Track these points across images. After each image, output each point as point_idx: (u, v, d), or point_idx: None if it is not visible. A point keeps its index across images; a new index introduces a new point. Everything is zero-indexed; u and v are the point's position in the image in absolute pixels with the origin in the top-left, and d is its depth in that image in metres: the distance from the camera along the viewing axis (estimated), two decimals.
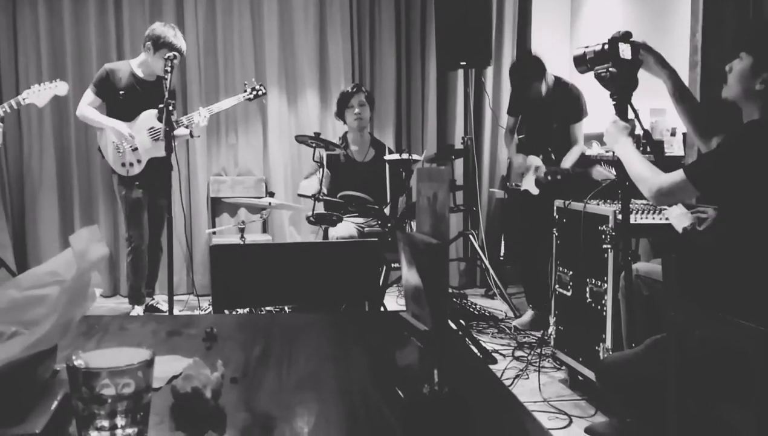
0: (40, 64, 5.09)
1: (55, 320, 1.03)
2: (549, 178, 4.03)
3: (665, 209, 2.65)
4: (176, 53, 3.82)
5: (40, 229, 5.19)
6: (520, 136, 4.45)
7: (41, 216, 5.19)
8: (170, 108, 3.57)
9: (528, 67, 4.16)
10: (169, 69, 3.65)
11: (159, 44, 4.21)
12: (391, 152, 4.34)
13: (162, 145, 4.10)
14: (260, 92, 4.50)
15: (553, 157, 4.12)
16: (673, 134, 3.96)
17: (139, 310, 4.46)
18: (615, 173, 3.52)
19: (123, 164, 4.28)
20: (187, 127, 4.33)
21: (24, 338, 1.03)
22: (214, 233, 5.06)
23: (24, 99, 4.19)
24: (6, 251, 5.01)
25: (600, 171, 3.62)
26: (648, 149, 3.39)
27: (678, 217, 2.40)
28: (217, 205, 5.39)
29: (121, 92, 4.28)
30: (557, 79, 4.20)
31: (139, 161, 4.29)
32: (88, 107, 4.31)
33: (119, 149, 4.25)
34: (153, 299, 4.65)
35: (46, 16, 5.09)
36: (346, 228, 4.09)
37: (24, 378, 1.04)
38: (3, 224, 5.10)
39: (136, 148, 4.26)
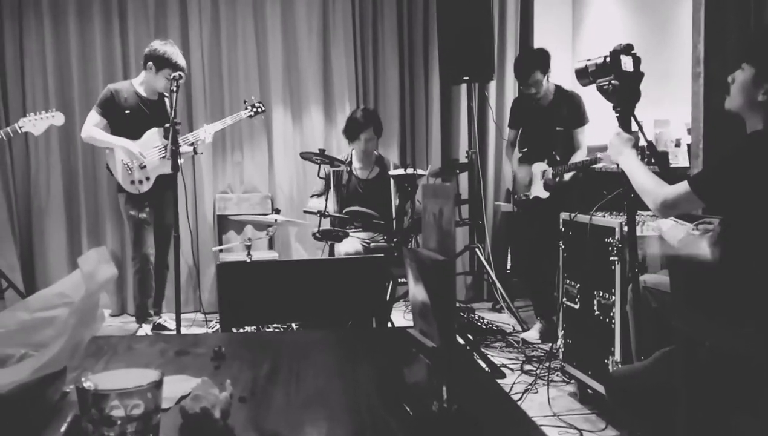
0: (46, 84, 5.13)
1: (64, 342, 1.04)
2: (557, 179, 4.04)
3: (659, 221, 2.64)
4: (181, 72, 3.85)
5: (47, 249, 5.21)
6: (523, 150, 4.45)
7: (49, 237, 5.20)
8: (176, 127, 3.59)
9: (534, 53, 4.20)
10: (174, 89, 3.68)
11: (162, 63, 4.25)
12: (395, 167, 4.35)
13: (168, 162, 4.14)
14: (259, 109, 4.56)
15: (558, 159, 4.12)
16: (677, 145, 3.96)
17: (146, 328, 4.46)
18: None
19: (132, 182, 4.31)
20: (192, 144, 4.35)
21: (33, 360, 1.04)
22: (220, 250, 5.07)
23: (21, 127, 4.22)
24: (14, 272, 5.02)
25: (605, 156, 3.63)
26: (652, 161, 3.39)
27: (671, 229, 2.40)
28: (223, 223, 5.40)
29: (126, 111, 4.32)
30: (558, 87, 4.22)
31: (147, 179, 4.31)
32: (94, 128, 4.34)
33: (129, 168, 4.28)
34: (160, 317, 4.65)
35: (52, 37, 5.13)
36: (351, 244, 4.09)
37: (34, 400, 1.05)
38: (11, 245, 5.12)
39: (144, 166, 4.29)
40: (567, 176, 4.07)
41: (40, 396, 1.06)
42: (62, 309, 1.19)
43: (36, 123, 4.26)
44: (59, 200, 5.21)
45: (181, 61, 4.29)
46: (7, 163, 5.13)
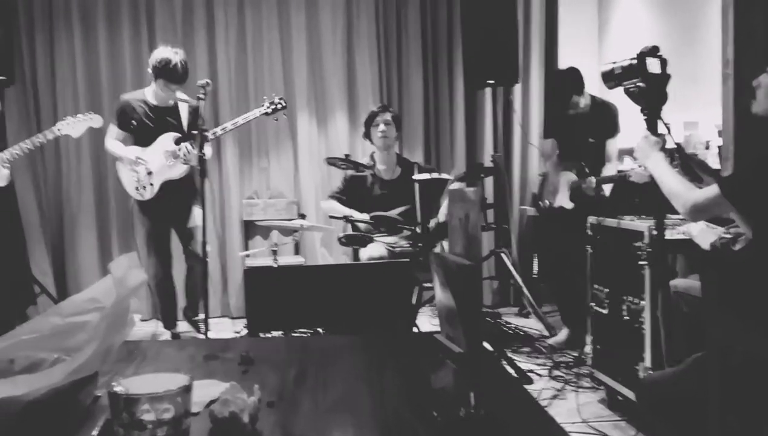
0: (76, 92, 5.21)
1: (95, 347, 1.05)
2: (596, 190, 3.90)
3: (689, 225, 2.60)
4: (208, 80, 3.83)
5: (79, 256, 5.29)
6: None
7: (80, 243, 5.28)
8: (204, 133, 3.61)
9: (567, 79, 4.14)
10: (202, 96, 3.68)
11: (153, 72, 4.21)
12: (420, 170, 4.32)
13: (176, 167, 4.18)
14: (279, 106, 4.17)
15: (587, 171, 4.07)
16: (707, 147, 3.90)
17: (166, 334, 4.45)
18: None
19: (137, 189, 4.27)
20: (215, 135, 4.16)
21: (66, 364, 1.05)
22: (247, 255, 5.11)
23: (59, 130, 4.18)
24: (46, 278, 5.11)
25: (638, 172, 3.54)
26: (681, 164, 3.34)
27: (701, 233, 2.36)
28: (250, 228, 5.45)
29: (133, 121, 4.29)
30: (593, 98, 4.17)
31: (152, 185, 4.24)
32: (109, 140, 4.35)
33: (135, 174, 4.26)
34: (197, 318, 4.57)
35: (82, 46, 5.22)
36: (376, 248, 4.09)
37: (66, 404, 1.06)
38: (43, 252, 5.21)
39: (150, 172, 4.23)
40: (607, 190, 3.97)
41: (72, 400, 1.08)
42: (94, 314, 1.21)
43: (74, 125, 4.20)
44: (90, 207, 5.29)
45: (161, 60, 4.13)
46: (38, 170, 5.22)
